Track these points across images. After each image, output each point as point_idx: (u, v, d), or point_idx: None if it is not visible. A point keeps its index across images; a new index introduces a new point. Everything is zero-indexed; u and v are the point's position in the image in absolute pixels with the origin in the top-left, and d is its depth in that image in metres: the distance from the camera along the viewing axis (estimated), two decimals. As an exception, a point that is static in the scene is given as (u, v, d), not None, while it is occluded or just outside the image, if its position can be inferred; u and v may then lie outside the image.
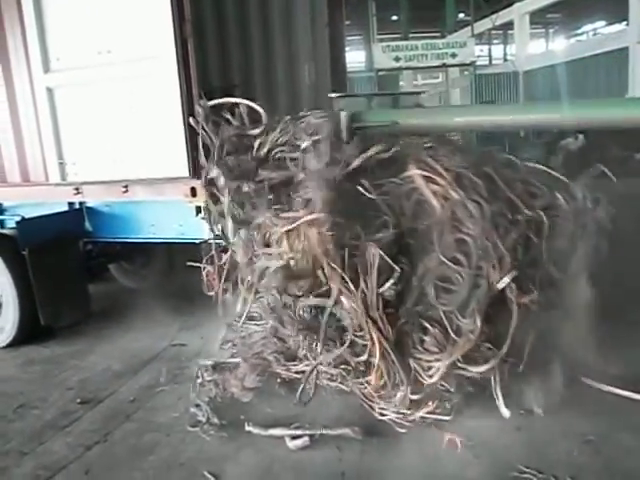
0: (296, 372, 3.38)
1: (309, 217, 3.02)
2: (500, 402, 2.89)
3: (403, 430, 2.93)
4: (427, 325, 2.95)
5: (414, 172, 3.15)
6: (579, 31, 35.28)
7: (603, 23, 32.46)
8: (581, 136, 14.40)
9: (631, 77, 18.03)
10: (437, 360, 2.89)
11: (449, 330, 2.88)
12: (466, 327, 2.83)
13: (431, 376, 2.89)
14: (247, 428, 3.02)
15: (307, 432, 2.91)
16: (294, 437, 2.89)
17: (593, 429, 2.86)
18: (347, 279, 2.97)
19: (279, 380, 3.44)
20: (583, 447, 2.73)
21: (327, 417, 3.11)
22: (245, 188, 3.37)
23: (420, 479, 2.63)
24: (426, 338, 2.95)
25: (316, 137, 3.34)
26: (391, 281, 2.96)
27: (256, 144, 3.54)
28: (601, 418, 2.94)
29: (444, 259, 2.96)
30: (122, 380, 3.87)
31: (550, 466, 2.59)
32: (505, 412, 2.86)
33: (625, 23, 19.81)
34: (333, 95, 4.47)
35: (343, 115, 3.56)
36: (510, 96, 23.99)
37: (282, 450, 2.87)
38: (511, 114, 3.91)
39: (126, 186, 4.02)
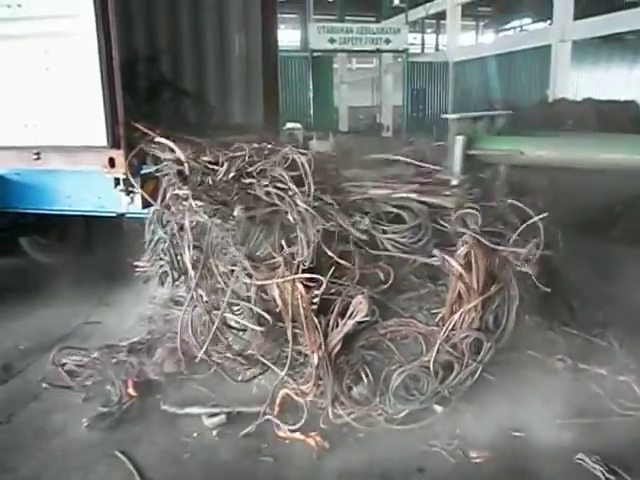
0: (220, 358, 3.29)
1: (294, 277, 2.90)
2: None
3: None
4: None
5: None
6: (507, 26, 36.57)
7: (529, 20, 33.83)
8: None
9: (552, 73, 18.96)
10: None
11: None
12: None
13: None
14: (162, 407, 2.94)
15: (224, 410, 2.87)
16: (211, 415, 2.85)
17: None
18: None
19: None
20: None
21: (246, 396, 3.07)
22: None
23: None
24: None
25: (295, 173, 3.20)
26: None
27: (221, 169, 3.34)
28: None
29: None
30: (30, 359, 3.66)
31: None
32: None
33: (549, 22, 20.71)
34: (449, 116, 3.91)
35: (459, 140, 3.19)
36: (441, 85, 24.65)
37: (198, 428, 2.83)
38: None
39: (38, 153, 3.74)
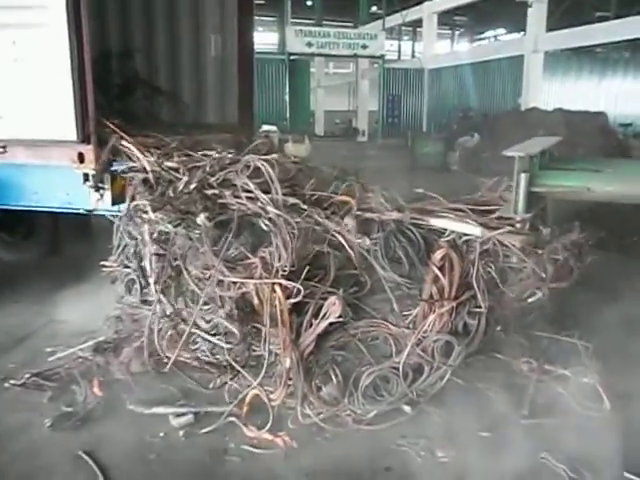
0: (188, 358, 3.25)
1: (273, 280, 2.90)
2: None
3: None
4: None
5: None
6: (482, 36, 37.22)
7: (504, 31, 34.47)
8: (477, 135, 15.31)
9: (525, 82, 19.38)
10: None
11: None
12: None
13: None
14: (129, 407, 2.89)
15: (191, 410, 2.83)
16: (178, 415, 2.81)
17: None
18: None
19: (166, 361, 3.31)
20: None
21: (214, 396, 3.04)
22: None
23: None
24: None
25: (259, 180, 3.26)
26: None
27: (182, 180, 3.37)
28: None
29: None
30: (-8, 358, 3.57)
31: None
32: None
33: (523, 33, 21.13)
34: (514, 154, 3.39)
35: (522, 178, 3.06)
36: (416, 91, 24.95)
37: (165, 428, 2.78)
38: None
39: (4, 146, 3.66)
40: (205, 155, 3.57)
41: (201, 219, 3.10)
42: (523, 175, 3.05)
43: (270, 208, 3.16)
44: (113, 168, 3.55)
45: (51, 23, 3.36)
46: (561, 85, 21.11)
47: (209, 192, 3.33)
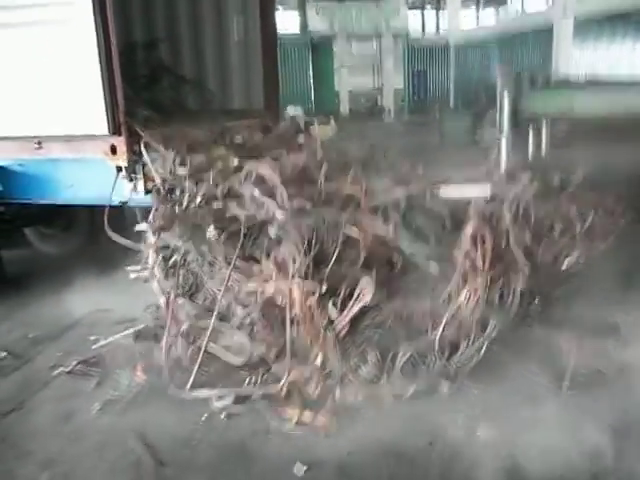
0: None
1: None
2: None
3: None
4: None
5: None
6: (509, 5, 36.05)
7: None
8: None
9: (555, 51, 18.75)
10: None
11: None
12: None
13: None
14: (171, 391, 2.97)
15: (231, 392, 2.89)
16: (219, 398, 2.88)
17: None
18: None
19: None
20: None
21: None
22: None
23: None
24: None
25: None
26: None
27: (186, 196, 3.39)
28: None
29: None
30: (40, 347, 3.71)
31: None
32: None
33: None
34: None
35: (506, 96, 3.28)
36: (442, 68, 24.43)
37: (207, 410, 2.85)
38: None
39: (39, 142, 3.75)
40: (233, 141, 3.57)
41: (211, 232, 3.13)
42: (505, 93, 3.03)
43: (278, 213, 3.15)
44: (144, 158, 3.60)
45: (78, 18, 3.40)
46: (593, 52, 20.38)
47: (215, 205, 3.34)
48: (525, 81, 3.37)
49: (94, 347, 3.55)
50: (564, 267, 3.30)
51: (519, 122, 3.29)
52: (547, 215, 3.36)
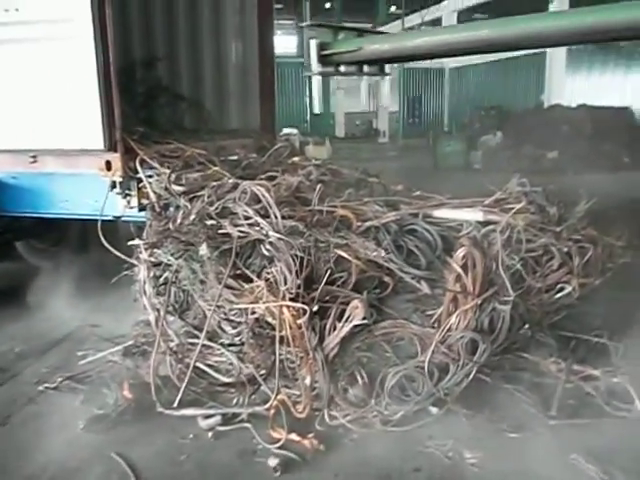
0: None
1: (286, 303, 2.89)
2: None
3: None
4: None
5: None
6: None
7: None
8: (499, 133, 15.17)
9: (548, 77, 19.06)
10: None
11: None
12: None
13: None
14: (158, 409, 2.94)
15: (219, 411, 2.87)
16: (207, 417, 2.86)
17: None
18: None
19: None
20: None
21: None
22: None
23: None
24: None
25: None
26: None
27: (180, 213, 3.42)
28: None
29: None
30: (26, 362, 3.67)
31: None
32: None
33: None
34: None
35: (313, 43, 3.71)
36: (436, 91, 24.74)
37: (194, 430, 2.83)
38: (486, 28, 3.54)
39: (34, 156, 3.77)
40: (228, 160, 3.60)
41: (203, 250, 3.15)
42: (312, 41, 3.75)
43: (271, 233, 3.15)
44: (139, 175, 3.62)
45: (77, 35, 3.45)
46: (585, 80, 20.74)
47: (209, 222, 3.34)
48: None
49: (81, 363, 3.52)
50: (558, 296, 3.32)
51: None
52: (541, 245, 3.37)
